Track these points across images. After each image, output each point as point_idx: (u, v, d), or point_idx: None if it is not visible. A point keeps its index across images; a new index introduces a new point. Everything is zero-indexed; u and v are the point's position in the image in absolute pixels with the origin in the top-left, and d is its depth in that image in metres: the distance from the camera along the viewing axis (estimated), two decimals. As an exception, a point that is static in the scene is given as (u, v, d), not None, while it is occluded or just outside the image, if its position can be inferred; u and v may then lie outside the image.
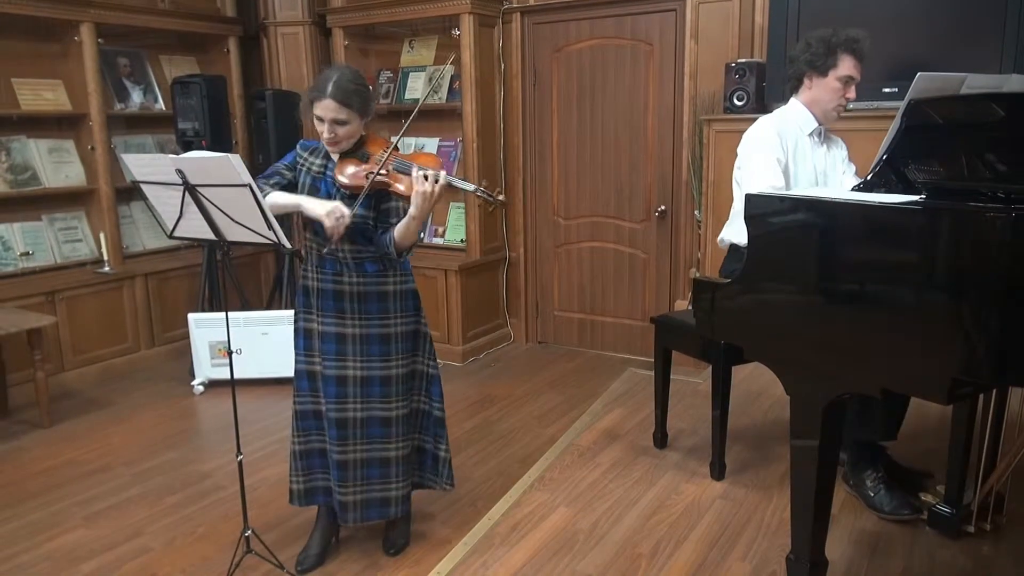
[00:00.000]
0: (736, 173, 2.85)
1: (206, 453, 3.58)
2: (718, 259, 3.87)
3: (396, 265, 2.49)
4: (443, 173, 2.26)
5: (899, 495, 2.58)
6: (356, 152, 2.42)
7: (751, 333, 2.11)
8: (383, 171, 2.32)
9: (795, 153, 2.72)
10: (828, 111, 2.70)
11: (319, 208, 2.31)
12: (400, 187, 2.33)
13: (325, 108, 2.30)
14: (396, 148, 2.39)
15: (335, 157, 2.43)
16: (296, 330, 2.55)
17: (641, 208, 4.70)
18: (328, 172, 2.43)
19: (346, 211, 2.30)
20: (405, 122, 2.59)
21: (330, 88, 2.29)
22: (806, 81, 2.69)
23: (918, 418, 3.01)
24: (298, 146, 2.53)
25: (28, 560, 2.72)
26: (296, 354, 2.56)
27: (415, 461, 2.68)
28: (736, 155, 2.85)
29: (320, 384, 2.51)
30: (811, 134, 2.74)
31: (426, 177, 2.24)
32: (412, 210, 2.28)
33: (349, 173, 2.36)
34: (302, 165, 2.48)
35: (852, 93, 2.66)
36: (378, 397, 2.50)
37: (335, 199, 2.37)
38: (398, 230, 2.34)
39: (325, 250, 2.43)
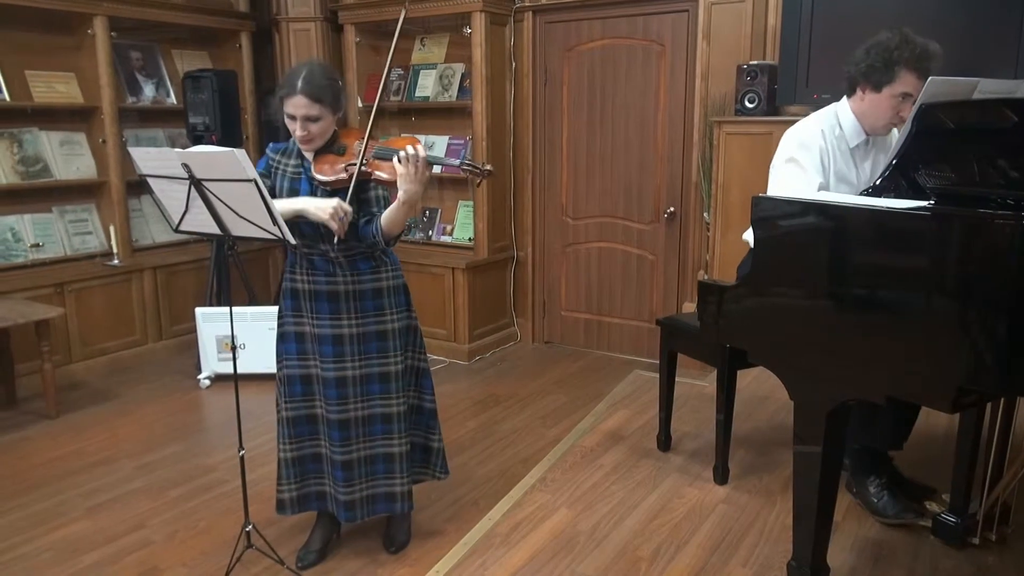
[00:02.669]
0: (772, 176, 2.56)
1: (210, 447, 3.59)
2: (726, 262, 3.86)
3: (387, 260, 2.48)
4: (422, 149, 2.19)
5: (903, 501, 2.56)
6: (332, 147, 2.36)
7: (755, 336, 2.09)
8: (364, 161, 2.27)
9: (834, 165, 2.50)
10: (877, 127, 2.46)
11: (322, 213, 2.24)
12: (383, 175, 2.26)
13: (296, 105, 2.26)
14: (373, 137, 2.33)
15: (309, 155, 2.38)
16: (283, 335, 2.50)
17: (650, 209, 4.68)
18: (305, 171, 2.39)
19: (348, 207, 2.26)
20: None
21: (300, 84, 2.25)
22: (859, 91, 2.42)
23: (925, 426, 2.98)
24: (268, 150, 2.47)
25: (30, 551, 2.73)
26: (286, 359, 2.49)
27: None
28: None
29: (318, 387, 2.48)
30: (856, 147, 2.50)
31: (408, 159, 2.17)
32: (401, 195, 2.21)
33: (329, 169, 2.31)
34: (276, 168, 2.42)
35: (907, 111, 2.29)
36: (378, 394, 2.49)
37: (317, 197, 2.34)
38: (385, 217, 2.28)
39: (315, 253, 2.38)
